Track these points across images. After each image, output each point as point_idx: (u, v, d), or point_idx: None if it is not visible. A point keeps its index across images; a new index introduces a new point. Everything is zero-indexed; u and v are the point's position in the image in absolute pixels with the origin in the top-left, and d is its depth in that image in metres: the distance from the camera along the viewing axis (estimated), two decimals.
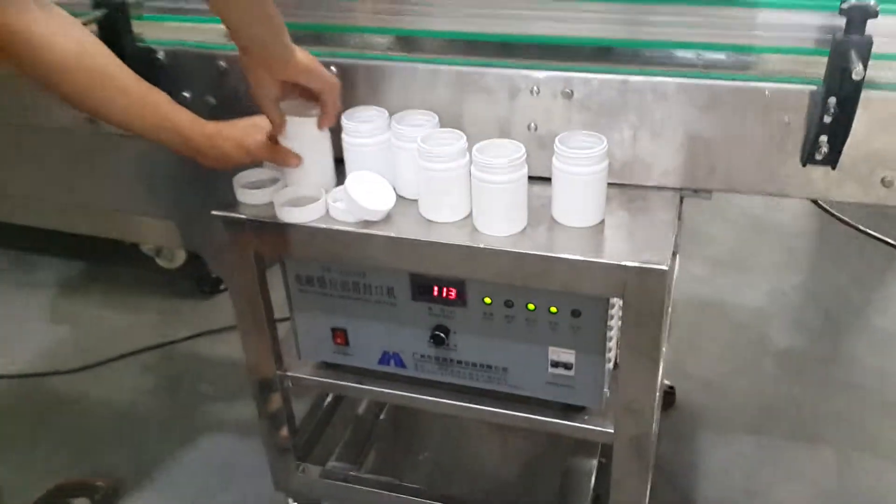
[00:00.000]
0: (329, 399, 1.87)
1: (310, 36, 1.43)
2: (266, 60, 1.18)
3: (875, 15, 1.09)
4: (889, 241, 2.55)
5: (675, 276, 1.80)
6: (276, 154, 1.30)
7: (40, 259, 2.77)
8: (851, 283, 2.44)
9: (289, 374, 1.54)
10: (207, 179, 1.40)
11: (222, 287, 2.59)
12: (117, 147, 2.10)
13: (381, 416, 1.97)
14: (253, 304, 1.46)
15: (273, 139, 1.29)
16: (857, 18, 1.09)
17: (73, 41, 1.13)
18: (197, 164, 1.32)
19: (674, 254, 1.81)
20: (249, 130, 1.29)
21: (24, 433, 2.04)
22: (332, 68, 1.37)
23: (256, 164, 1.36)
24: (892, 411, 1.99)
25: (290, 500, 1.73)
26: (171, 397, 2.20)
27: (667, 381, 2.02)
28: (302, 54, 1.21)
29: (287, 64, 1.19)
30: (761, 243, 2.65)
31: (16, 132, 2.09)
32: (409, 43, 1.44)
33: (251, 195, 1.36)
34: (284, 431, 1.62)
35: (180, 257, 2.60)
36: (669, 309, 1.72)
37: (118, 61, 1.19)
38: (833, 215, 2.69)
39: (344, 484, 1.66)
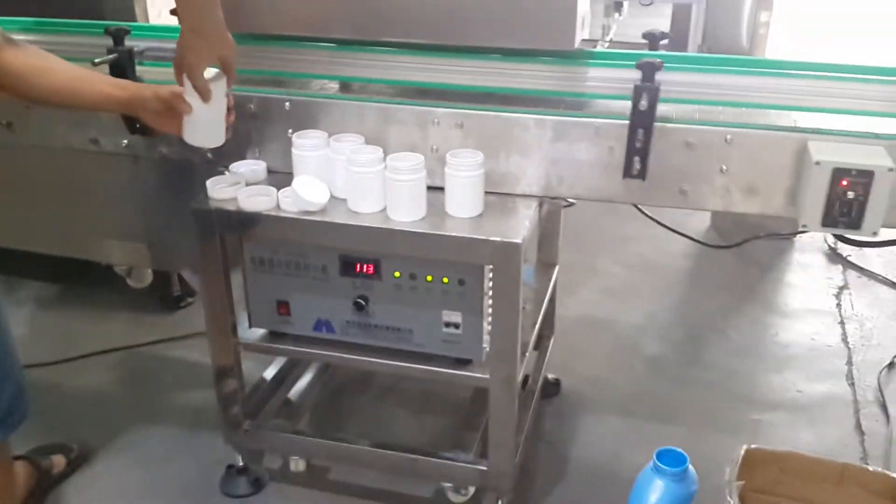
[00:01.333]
0: (276, 370, 2.26)
1: (269, 80, 1.90)
2: (210, 38, 1.59)
3: (659, 68, 1.60)
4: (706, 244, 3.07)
5: (553, 280, 2.26)
6: (180, 101, 1.62)
7: (21, 282, 3.12)
8: (716, 308, 2.94)
9: (241, 340, 1.94)
10: (174, 206, 1.81)
11: (182, 304, 2.97)
12: (94, 175, 2.51)
13: (319, 385, 2.35)
14: (216, 281, 1.87)
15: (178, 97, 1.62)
16: (648, 71, 1.60)
17: (39, 59, 1.60)
18: (162, 192, 1.72)
19: (553, 264, 2.29)
20: (162, 88, 1.64)
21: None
22: (286, 104, 1.84)
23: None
24: (736, 401, 2.45)
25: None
26: (136, 388, 2.55)
27: (552, 375, 2.46)
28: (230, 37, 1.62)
29: (226, 42, 1.62)
30: (646, 278, 3.16)
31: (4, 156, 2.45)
32: (345, 86, 1.92)
33: (219, 192, 1.79)
34: (235, 391, 2.01)
35: (148, 277, 2.97)
36: (548, 298, 2.17)
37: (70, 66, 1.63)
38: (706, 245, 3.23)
39: (280, 434, 2.04)
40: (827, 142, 1.59)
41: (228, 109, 1.69)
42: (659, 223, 2.95)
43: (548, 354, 2.34)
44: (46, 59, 1.63)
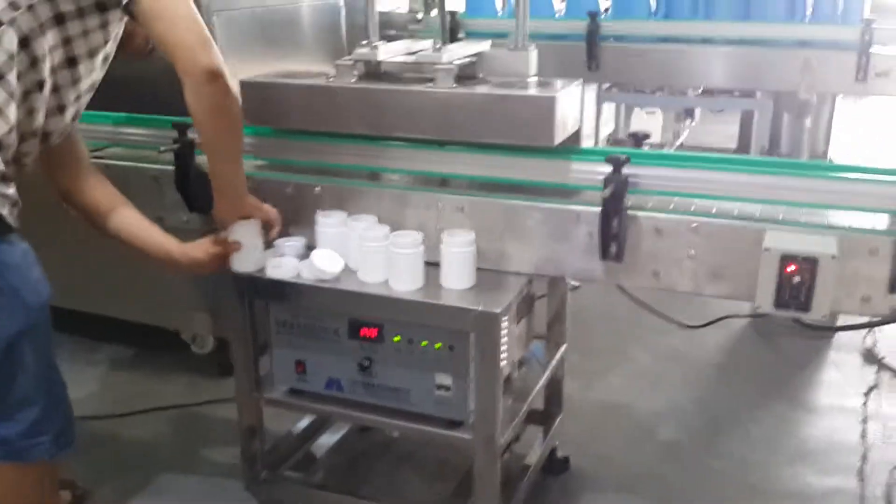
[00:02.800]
0: (300, 429, 2.48)
1: (304, 168, 2.19)
2: (232, 201, 1.96)
3: (626, 162, 1.80)
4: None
5: (558, 359, 2.40)
6: (227, 247, 1.99)
7: (99, 344, 3.49)
8: (738, 401, 2.98)
9: (265, 396, 2.18)
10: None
11: None
12: None
13: (333, 440, 2.54)
14: (245, 340, 2.13)
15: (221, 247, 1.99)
16: (616, 164, 1.80)
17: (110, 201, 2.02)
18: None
19: (558, 343, 2.44)
20: (203, 243, 2.02)
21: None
22: (317, 189, 2.13)
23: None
24: (743, 489, 2.48)
25: None
26: (184, 442, 2.80)
27: (562, 453, 2.57)
28: (251, 198, 2.00)
29: (246, 205, 1.98)
30: (674, 368, 3.23)
31: (85, 231, 2.82)
32: (372, 174, 2.20)
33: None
34: (256, 444, 2.24)
35: (210, 344, 3.28)
36: (551, 374, 2.31)
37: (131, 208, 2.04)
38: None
39: (294, 486, 2.24)
40: (782, 231, 1.74)
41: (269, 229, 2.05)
42: (663, 316, 3.00)
43: (552, 431, 2.46)
44: (118, 204, 2.05)
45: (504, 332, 1.87)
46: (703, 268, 1.83)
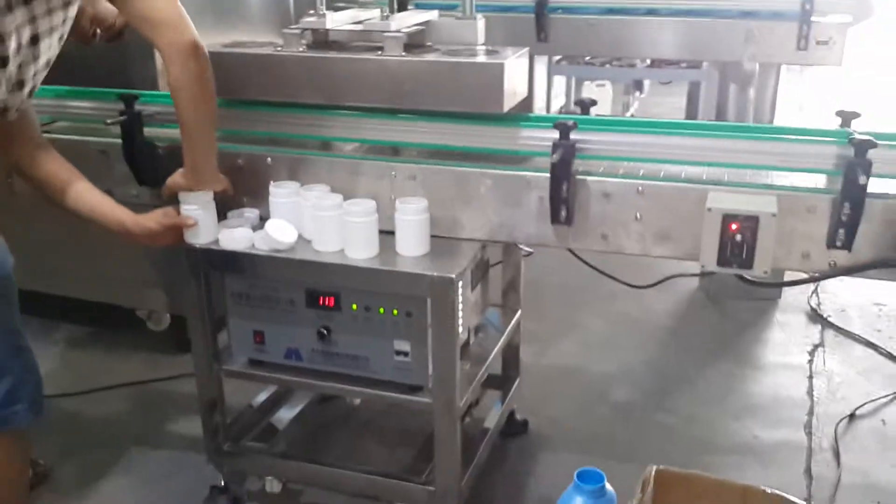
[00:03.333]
0: (260, 402, 2.49)
1: (256, 139, 2.19)
2: (205, 179, 1.98)
3: (573, 128, 1.84)
4: None
5: (514, 324, 2.45)
6: (180, 221, 2.01)
7: (57, 324, 3.45)
8: (688, 361, 3.08)
9: (224, 367, 2.19)
10: None
11: None
12: None
13: (294, 411, 2.56)
14: (201, 312, 2.13)
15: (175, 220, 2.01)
16: (563, 130, 1.84)
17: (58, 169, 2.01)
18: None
19: (513, 309, 2.49)
20: (156, 214, 2.03)
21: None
22: (268, 160, 2.13)
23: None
24: (692, 444, 2.58)
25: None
26: (145, 418, 2.80)
27: (521, 416, 2.64)
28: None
29: (219, 182, 2.01)
30: (626, 332, 3.32)
31: (40, 211, 2.79)
32: (324, 144, 2.21)
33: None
34: (218, 417, 2.25)
35: (166, 321, 3.27)
36: (507, 339, 2.37)
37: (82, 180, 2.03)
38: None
39: (256, 456, 2.27)
40: (724, 192, 1.80)
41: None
42: (607, 275, 3.04)
43: (511, 394, 2.52)
44: (70, 176, 2.04)
45: (460, 297, 1.90)
46: (650, 229, 1.88)
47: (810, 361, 3.09)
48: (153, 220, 2.01)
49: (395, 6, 2.27)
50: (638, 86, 6.56)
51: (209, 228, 2.04)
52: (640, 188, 1.86)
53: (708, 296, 3.59)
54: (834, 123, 1.88)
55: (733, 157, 1.85)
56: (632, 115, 6.34)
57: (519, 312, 2.50)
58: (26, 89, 1.88)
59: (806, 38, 3.49)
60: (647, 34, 3.89)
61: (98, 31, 2.23)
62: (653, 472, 1.85)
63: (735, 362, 3.09)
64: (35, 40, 1.82)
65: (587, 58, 5.08)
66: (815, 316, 3.43)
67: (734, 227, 1.72)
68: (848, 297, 3.55)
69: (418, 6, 2.43)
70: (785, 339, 3.26)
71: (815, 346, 3.19)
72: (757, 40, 3.61)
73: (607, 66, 5.23)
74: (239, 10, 3.31)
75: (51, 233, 2.98)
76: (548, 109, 5.44)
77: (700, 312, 3.49)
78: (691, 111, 5.62)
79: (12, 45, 1.76)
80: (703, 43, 3.82)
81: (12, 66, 1.79)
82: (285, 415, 2.55)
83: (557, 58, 5.01)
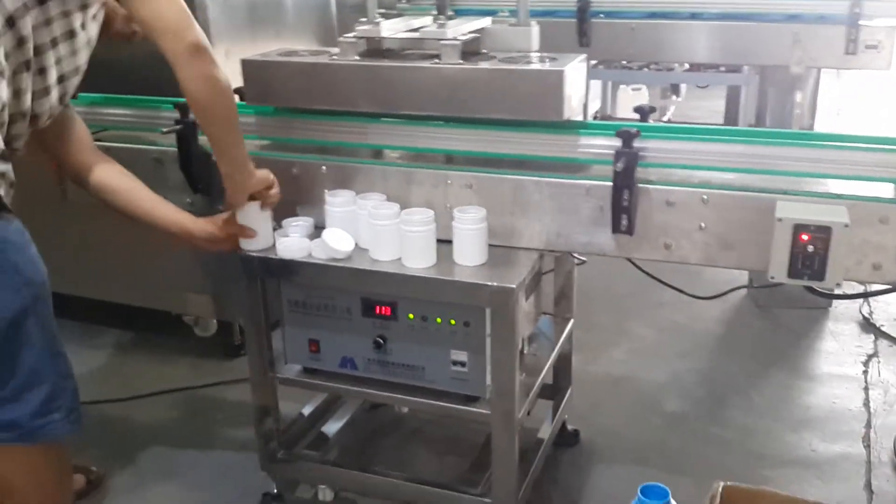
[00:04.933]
0: (313, 408, 2.49)
1: (313, 147, 2.19)
2: (241, 183, 1.94)
3: (636, 136, 1.81)
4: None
5: (567, 333, 2.43)
6: (240, 230, 2.01)
7: (101, 329, 3.48)
8: (739, 371, 3.02)
9: (278, 375, 2.19)
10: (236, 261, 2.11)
11: (242, 352, 3.24)
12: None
13: (353, 426, 2.55)
14: (257, 320, 2.13)
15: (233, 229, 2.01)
16: (626, 138, 1.82)
17: (118, 177, 2.02)
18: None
19: (565, 318, 2.47)
20: (217, 219, 2.03)
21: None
22: (323, 168, 2.12)
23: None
24: (749, 457, 2.53)
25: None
26: (192, 424, 2.81)
27: (572, 426, 2.61)
28: (260, 172, 1.97)
29: (256, 181, 1.96)
30: (676, 341, 3.27)
31: (88, 217, 2.81)
32: (376, 152, 2.20)
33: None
34: (271, 424, 2.24)
35: (213, 327, 3.28)
36: (560, 348, 2.33)
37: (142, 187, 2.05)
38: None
39: (309, 464, 2.26)
40: (793, 202, 1.76)
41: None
42: (671, 286, 3.02)
43: (563, 404, 2.49)
44: (130, 182, 2.05)
45: (519, 307, 1.88)
46: (714, 239, 1.84)
47: (865, 372, 3.02)
48: (215, 224, 2.01)
49: (445, 13, 2.27)
50: (675, 90, 6.49)
51: (265, 236, 2.04)
52: (704, 197, 1.82)
53: (757, 304, 3.53)
54: (875, 127, 1.83)
55: (800, 166, 1.81)
56: (669, 120, 6.28)
57: (571, 322, 2.47)
58: (53, 95, 1.86)
59: (855, 42, 3.43)
60: (689, 38, 3.85)
61: (137, 28, 2.13)
62: (720, 489, 1.82)
63: (788, 372, 3.03)
64: (54, 43, 1.80)
65: (624, 62, 5.04)
66: (868, 325, 3.35)
67: (805, 237, 1.68)
68: None
69: (459, 12, 2.42)
70: (838, 349, 3.19)
71: (870, 357, 3.12)
72: (804, 44, 3.56)
73: (645, 69, 5.17)
74: (283, 19, 3.31)
75: (98, 238, 3.01)
76: (584, 113, 5.40)
77: (749, 321, 3.43)
78: (730, 115, 5.58)
79: (31, 47, 1.75)
80: (747, 47, 3.77)
81: (32, 71, 1.77)
82: (336, 422, 2.55)
83: (594, 62, 4.97)
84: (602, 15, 3.79)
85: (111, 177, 2.04)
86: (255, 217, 2.01)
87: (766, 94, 5.08)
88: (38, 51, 1.78)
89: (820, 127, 4.51)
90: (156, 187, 2.28)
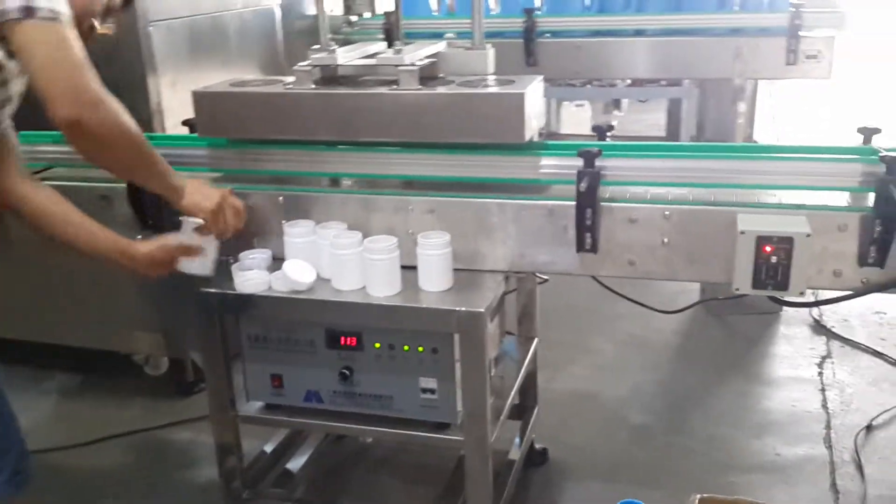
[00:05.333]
0: (276, 444, 2.42)
1: (268, 178, 2.14)
2: (171, 199, 1.88)
3: (597, 155, 1.82)
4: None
5: (532, 353, 2.42)
6: (183, 250, 1.92)
7: (47, 373, 3.34)
8: (696, 381, 3.06)
9: (240, 413, 2.12)
10: (187, 296, 2.04)
11: (196, 390, 3.16)
12: (111, 269, 2.74)
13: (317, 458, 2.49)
14: (216, 358, 2.06)
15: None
16: (588, 158, 1.82)
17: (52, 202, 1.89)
18: (175, 283, 1.97)
19: (528, 337, 2.46)
20: (158, 240, 1.94)
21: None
22: (280, 199, 2.08)
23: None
24: (715, 465, 2.56)
25: None
26: (149, 468, 2.71)
27: (540, 445, 2.59)
28: (190, 196, 1.87)
29: (179, 201, 1.88)
30: (635, 353, 3.30)
31: (30, 257, 2.70)
32: (333, 180, 2.16)
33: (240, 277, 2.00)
34: (234, 462, 2.17)
35: (164, 365, 3.18)
36: (527, 369, 2.32)
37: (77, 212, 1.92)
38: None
39: (276, 503, 2.19)
40: (753, 214, 1.78)
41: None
42: (635, 302, 3.04)
43: (531, 424, 2.48)
44: (64, 206, 1.93)
45: (488, 331, 1.86)
46: (677, 254, 1.86)
47: (820, 374, 3.08)
48: (155, 245, 1.92)
49: (393, 38, 2.26)
50: (617, 104, 6.60)
51: (209, 259, 1.95)
52: (666, 213, 1.83)
53: (709, 311, 3.58)
54: (809, 135, 1.88)
55: (758, 179, 1.83)
56: (611, 135, 6.37)
57: (536, 341, 2.46)
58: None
59: (795, 53, 3.54)
60: (633, 54, 3.92)
61: (93, 23, 1.88)
62: (696, 502, 1.82)
63: (746, 378, 3.08)
64: None
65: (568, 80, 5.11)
66: (819, 327, 3.44)
67: (768, 249, 1.70)
68: (848, 307, 3.56)
69: (407, 35, 2.41)
70: (792, 353, 3.26)
71: (823, 358, 3.20)
72: (745, 57, 3.66)
73: (588, 86, 5.25)
74: (229, 47, 3.27)
75: (39, 278, 2.89)
76: None
77: (704, 329, 3.48)
78: (672, 128, 5.69)
79: None
80: (690, 61, 3.85)
81: None
82: (300, 457, 2.48)
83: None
84: (548, 34, 3.84)
85: (45, 203, 1.93)
86: (196, 236, 1.93)
87: (707, 105, 5.23)
88: None
89: (759, 134, 4.63)
90: (105, 224, 2.22)
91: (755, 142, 4.33)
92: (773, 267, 1.71)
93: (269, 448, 2.43)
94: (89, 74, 1.59)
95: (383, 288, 1.90)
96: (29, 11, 1.53)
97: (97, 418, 3.01)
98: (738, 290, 1.77)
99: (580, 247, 1.89)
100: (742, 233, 1.72)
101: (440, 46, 2.16)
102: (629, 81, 5.12)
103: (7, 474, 1.78)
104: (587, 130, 6.43)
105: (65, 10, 1.58)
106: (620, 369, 3.18)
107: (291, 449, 2.48)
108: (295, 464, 2.43)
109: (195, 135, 2.18)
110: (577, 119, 6.44)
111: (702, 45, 3.70)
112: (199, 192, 1.90)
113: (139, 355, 3.15)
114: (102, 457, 2.78)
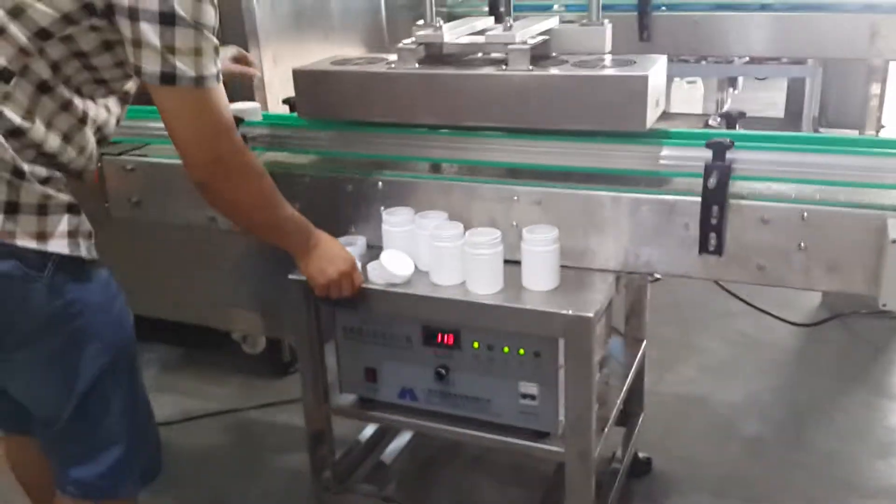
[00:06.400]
0: (370, 434, 2.35)
1: (367, 162, 2.04)
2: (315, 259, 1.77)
3: (730, 147, 1.63)
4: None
5: (640, 356, 2.25)
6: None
7: (147, 345, 3.39)
8: (821, 389, 2.82)
9: (332, 406, 2.05)
10: (285, 277, 1.96)
11: (291, 370, 3.14)
12: (213, 249, 2.73)
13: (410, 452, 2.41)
14: (311, 348, 1.99)
15: None
16: (718, 150, 1.64)
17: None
18: (274, 264, 1.89)
19: (637, 339, 2.30)
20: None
21: None
22: (379, 184, 1.98)
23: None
24: (836, 486, 2.34)
25: None
26: (241, 450, 2.70)
27: (643, 454, 2.43)
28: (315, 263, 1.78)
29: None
30: (748, 355, 3.07)
31: (132, 234, 2.71)
32: (434, 166, 2.05)
33: None
34: (326, 455, 2.11)
35: (261, 344, 3.17)
36: (635, 373, 2.17)
37: None
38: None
39: (367, 500, 2.12)
40: None
41: None
42: (743, 300, 2.84)
43: (636, 432, 2.32)
44: None
45: (597, 337, 1.72)
46: (816, 261, 1.66)
47: None
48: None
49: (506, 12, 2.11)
50: (732, 82, 6.24)
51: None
52: (804, 214, 1.63)
53: (831, 311, 3.31)
54: None
55: None
56: (726, 112, 6.04)
57: (644, 343, 2.29)
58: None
59: None
60: (755, 30, 3.63)
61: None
62: None
63: (871, 390, 2.82)
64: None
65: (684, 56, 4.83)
66: None
67: None
68: None
69: (515, 7, 2.25)
70: None
71: None
72: (884, 35, 3.34)
73: (702, 61, 4.96)
74: (331, 23, 3.18)
75: (143, 254, 2.92)
76: None
77: (825, 332, 3.22)
78: (791, 108, 5.33)
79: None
80: (819, 38, 3.54)
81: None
82: (393, 449, 2.41)
83: None
84: (664, 8, 3.60)
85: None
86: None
87: (830, 86, 4.86)
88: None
89: (889, 120, 4.26)
90: (205, 206, 2.17)
91: (883, 126, 4.00)
92: None
93: (362, 438, 2.36)
94: (224, 141, 1.56)
95: (485, 284, 1.78)
96: (168, 78, 1.45)
97: (195, 392, 3.03)
98: (885, 305, 1.56)
99: (703, 248, 1.72)
100: (894, 241, 1.51)
101: (552, 22, 1.99)
102: (747, 58, 4.81)
103: (137, 473, 1.73)
104: (699, 109, 6.12)
105: (211, 71, 1.49)
106: (732, 373, 2.97)
107: (385, 439, 2.41)
108: (387, 456, 2.36)
109: (294, 114, 2.11)
110: (689, 97, 6.13)
111: (834, 20, 3.39)
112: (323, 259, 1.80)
113: (237, 333, 3.15)
114: (197, 435, 2.79)
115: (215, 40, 1.50)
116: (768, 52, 3.98)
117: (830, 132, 4.86)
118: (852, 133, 4.20)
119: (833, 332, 3.22)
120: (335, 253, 1.81)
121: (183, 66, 1.45)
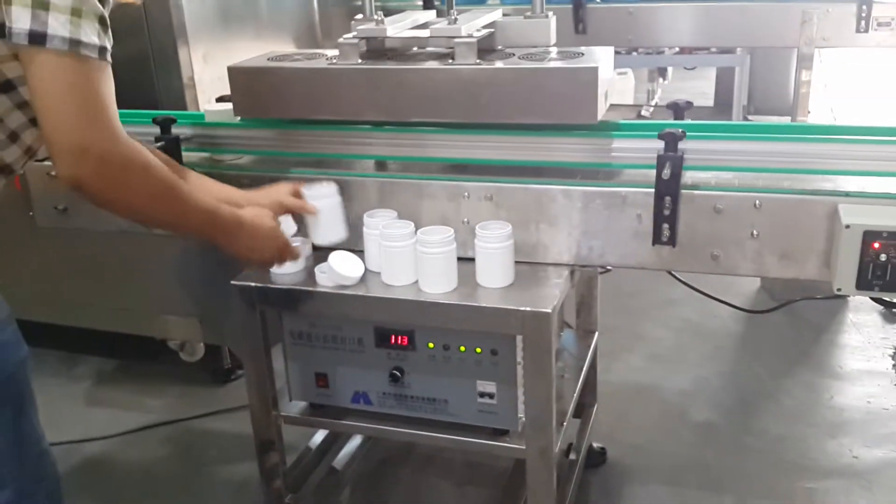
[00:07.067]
0: (321, 439, 2.28)
1: (309, 161, 1.97)
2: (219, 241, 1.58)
3: (681, 138, 1.62)
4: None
5: (593, 347, 2.25)
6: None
7: (80, 357, 3.24)
8: (767, 372, 2.87)
9: (282, 413, 1.98)
10: (224, 282, 1.89)
11: (233, 377, 3.04)
12: (147, 255, 2.61)
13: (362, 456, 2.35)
14: (258, 355, 1.92)
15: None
16: (670, 141, 1.63)
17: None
18: (213, 269, 1.78)
19: (592, 330, 2.29)
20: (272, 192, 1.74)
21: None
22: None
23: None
24: (788, 469, 2.38)
25: None
26: (184, 461, 2.59)
27: (598, 444, 2.43)
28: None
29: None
30: (693, 342, 3.11)
31: (62, 242, 2.57)
32: (380, 164, 1.99)
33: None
34: (277, 464, 2.03)
35: (200, 351, 3.06)
36: (588, 365, 2.15)
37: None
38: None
39: None
40: (857, 204, 1.58)
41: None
42: (696, 289, 2.89)
43: (591, 423, 2.32)
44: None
45: (554, 332, 1.69)
46: (769, 248, 1.66)
47: (895, 366, 2.88)
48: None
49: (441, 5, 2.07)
50: (662, 73, 6.33)
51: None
52: (757, 202, 1.64)
53: (772, 296, 3.37)
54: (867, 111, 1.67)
55: (863, 165, 1.63)
56: (655, 104, 6.13)
57: (596, 335, 2.28)
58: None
59: (867, 20, 3.30)
60: (691, 21, 3.69)
61: None
62: None
63: (816, 371, 2.88)
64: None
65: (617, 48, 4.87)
66: (891, 315, 3.22)
67: (877, 245, 1.51)
68: None
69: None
70: (863, 343, 3.05)
71: None
72: (814, 24, 3.42)
73: (634, 53, 5.00)
74: (262, 18, 3.08)
75: (73, 263, 2.79)
76: None
77: (767, 315, 3.28)
78: (720, 97, 5.43)
79: None
80: (750, 28, 3.62)
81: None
82: (345, 451, 2.35)
83: None
84: (599, 0, 3.62)
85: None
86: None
87: (757, 74, 4.96)
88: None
89: (814, 104, 4.38)
90: None
91: (809, 112, 4.11)
92: (882, 266, 1.52)
93: (313, 444, 2.29)
94: (98, 128, 1.30)
95: (438, 284, 1.73)
96: (37, 38, 1.23)
97: (131, 405, 2.90)
98: (839, 290, 1.58)
99: (657, 239, 1.71)
100: (847, 227, 1.52)
101: (496, 15, 1.96)
102: (676, 49, 4.88)
103: None
104: (630, 100, 6.18)
105: (92, 39, 1.27)
106: (679, 360, 2.99)
107: (337, 443, 2.35)
108: (340, 461, 2.30)
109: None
110: (620, 88, 6.19)
111: (764, 10, 3.46)
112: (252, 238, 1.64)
113: (175, 341, 3.03)
114: (135, 449, 2.66)
115: (102, 9, 1.30)
116: (700, 42, 4.05)
117: (759, 119, 4.99)
118: (783, 120, 4.31)
119: (775, 315, 3.28)
120: (261, 231, 1.65)
121: (56, 24, 1.23)
